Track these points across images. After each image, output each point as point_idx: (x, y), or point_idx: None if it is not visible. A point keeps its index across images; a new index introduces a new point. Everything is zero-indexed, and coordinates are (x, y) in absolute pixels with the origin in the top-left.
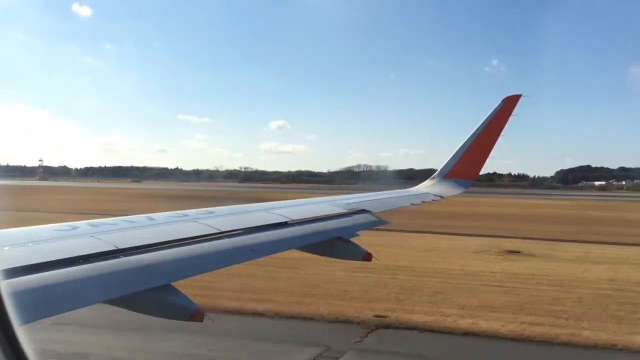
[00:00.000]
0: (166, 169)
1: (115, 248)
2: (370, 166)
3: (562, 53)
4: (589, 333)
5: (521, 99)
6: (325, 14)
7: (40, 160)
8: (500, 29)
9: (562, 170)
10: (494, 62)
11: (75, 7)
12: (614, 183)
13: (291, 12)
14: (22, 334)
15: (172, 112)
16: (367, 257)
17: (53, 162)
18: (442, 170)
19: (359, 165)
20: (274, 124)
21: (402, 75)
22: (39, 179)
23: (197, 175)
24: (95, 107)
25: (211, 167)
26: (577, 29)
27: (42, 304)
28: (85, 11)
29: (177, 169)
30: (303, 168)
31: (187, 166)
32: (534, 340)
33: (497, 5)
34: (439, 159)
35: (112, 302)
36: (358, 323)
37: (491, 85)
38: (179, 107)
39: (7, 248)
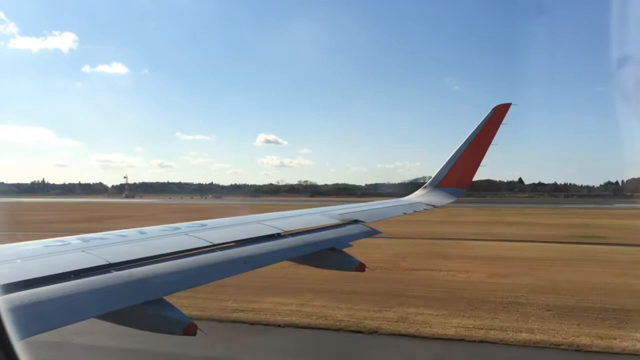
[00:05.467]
0: (201, 184)
1: (106, 262)
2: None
3: (546, 63)
4: None
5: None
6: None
7: (125, 177)
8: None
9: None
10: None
11: (58, 33)
12: None
13: (278, 35)
14: (20, 349)
15: (168, 129)
16: (361, 267)
17: (57, 179)
18: (434, 179)
19: (423, 177)
20: (266, 139)
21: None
22: (126, 197)
23: (237, 189)
24: (92, 127)
25: (213, 182)
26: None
27: (35, 320)
28: (70, 38)
29: (212, 183)
30: (303, 181)
31: (189, 181)
32: None
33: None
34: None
35: (104, 317)
36: None
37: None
38: (174, 124)
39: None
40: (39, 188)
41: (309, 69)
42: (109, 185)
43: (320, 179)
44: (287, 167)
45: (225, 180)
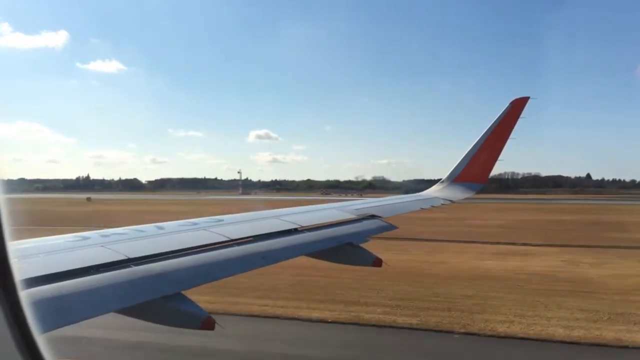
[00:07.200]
0: (236, 180)
1: (125, 257)
2: (518, 173)
3: (561, 57)
4: None
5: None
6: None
7: (239, 172)
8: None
9: None
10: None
11: (50, 31)
12: None
13: (272, 33)
14: (42, 342)
15: (160, 125)
16: (378, 262)
17: (50, 175)
18: (451, 174)
19: (505, 173)
20: (259, 135)
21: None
22: (242, 194)
23: (276, 184)
24: (84, 123)
25: (248, 178)
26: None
27: (58, 313)
28: (63, 35)
29: (247, 179)
30: (300, 177)
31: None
32: None
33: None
34: (430, 168)
35: (123, 311)
36: None
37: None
38: (166, 120)
39: (22, 259)
40: (84, 184)
41: (302, 66)
42: (144, 181)
43: (316, 175)
44: (281, 162)
45: (223, 176)
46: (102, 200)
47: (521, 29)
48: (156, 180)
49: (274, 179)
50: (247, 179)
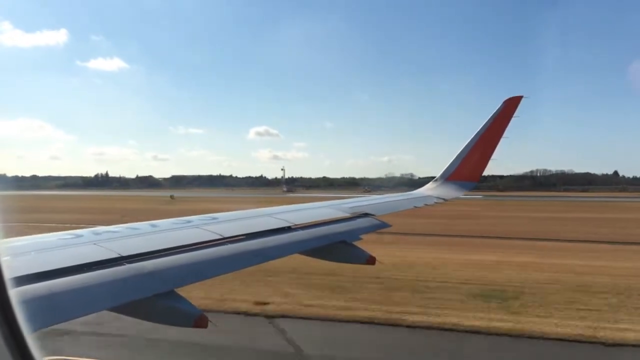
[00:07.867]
0: (250, 177)
1: (118, 255)
2: (549, 170)
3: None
4: None
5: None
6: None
7: (282, 170)
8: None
9: None
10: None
11: (52, 29)
12: None
13: (272, 33)
14: (32, 341)
15: (161, 122)
16: (371, 260)
17: (52, 172)
18: (444, 172)
19: (537, 170)
20: (259, 132)
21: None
22: (287, 191)
23: (292, 182)
24: (86, 120)
25: (262, 175)
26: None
27: (49, 311)
28: (63, 33)
29: (278, 178)
30: (301, 174)
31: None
32: None
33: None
34: (428, 165)
35: (116, 309)
36: None
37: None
38: (167, 117)
39: (13, 257)
40: (102, 181)
41: (302, 65)
42: (159, 177)
43: (315, 172)
44: (282, 159)
45: (225, 173)
46: (181, 198)
47: (521, 28)
48: (171, 177)
49: (289, 177)
50: (255, 176)
